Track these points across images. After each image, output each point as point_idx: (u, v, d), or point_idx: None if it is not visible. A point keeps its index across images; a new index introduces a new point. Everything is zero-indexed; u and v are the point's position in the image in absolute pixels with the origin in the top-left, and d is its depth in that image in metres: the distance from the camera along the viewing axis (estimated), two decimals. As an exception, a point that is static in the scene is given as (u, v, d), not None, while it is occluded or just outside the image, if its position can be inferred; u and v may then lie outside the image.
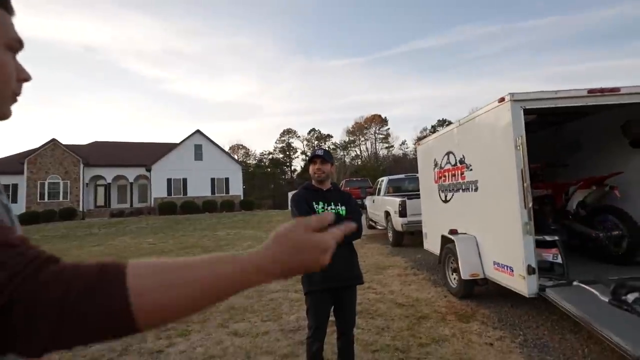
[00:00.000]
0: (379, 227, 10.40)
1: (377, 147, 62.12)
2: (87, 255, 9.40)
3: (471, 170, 4.50)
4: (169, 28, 78.21)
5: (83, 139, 74.23)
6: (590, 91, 3.51)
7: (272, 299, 4.75)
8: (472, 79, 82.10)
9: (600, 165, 4.57)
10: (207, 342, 3.51)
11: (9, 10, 0.59)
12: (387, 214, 8.95)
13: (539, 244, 3.71)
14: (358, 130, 62.25)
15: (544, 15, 76.80)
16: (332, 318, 2.45)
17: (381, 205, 9.64)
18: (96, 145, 30.23)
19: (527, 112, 3.56)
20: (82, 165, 25.91)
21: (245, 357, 3.16)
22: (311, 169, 2.46)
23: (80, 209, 25.22)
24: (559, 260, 3.58)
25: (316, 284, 2.34)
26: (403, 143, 61.73)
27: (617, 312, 2.29)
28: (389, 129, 62.15)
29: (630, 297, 1.19)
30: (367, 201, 11.59)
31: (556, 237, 3.66)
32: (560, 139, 5.35)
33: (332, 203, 2.46)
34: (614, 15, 70.43)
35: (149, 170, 27.46)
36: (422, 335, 3.46)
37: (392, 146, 61.70)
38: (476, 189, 4.37)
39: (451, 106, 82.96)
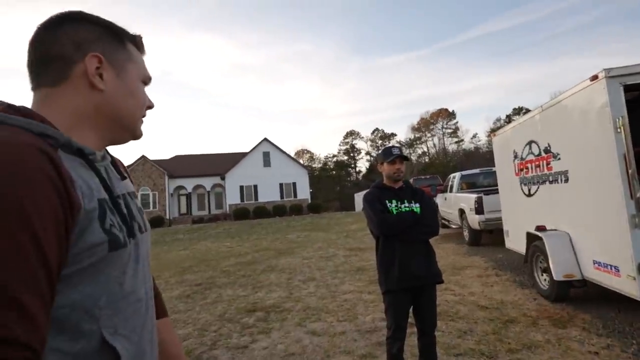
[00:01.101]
0: (453, 226, 9.87)
1: (446, 143, 59.22)
2: (175, 258, 10.38)
3: (559, 159, 4.05)
4: (234, 43, 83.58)
5: (166, 154, 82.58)
6: None
7: (346, 300, 4.76)
8: (552, 59, 74.20)
9: None
10: (286, 339, 3.64)
11: (142, 50, 0.77)
12: (462, 211, 8.45)
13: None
14: (424, 126, 60.00)
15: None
16: (410, 320, 2.38)
17: (454, 202, 9.14)
18: (178, 159, 33.32)
19: (627, 88, 3.11)
20: (167, 177, 28.76)
21: (325, 356, 3.21)
22: (389, 168, 2.42)
23: (167, 217, 27.97)
24: (681, 257, 3.04)
25: (394, 283, 2.29)
26: (474, 136, 58.05)
27: None
28: (457, 122, 58.98)
29: None
30: (439, 199, 11.08)
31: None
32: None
33: (406, 201, 2.40)
34: None
35: (223, 178, 29.50)
36: (511, 341, 3.19)
37: (462, 140, 58.37)
38: (566, 180, 3.92)
39: (528, 92, 75.91)
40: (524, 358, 2.88)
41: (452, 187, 9.90)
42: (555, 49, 74.83)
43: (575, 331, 3.29)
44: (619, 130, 3.02)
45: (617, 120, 3.03)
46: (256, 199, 29.87)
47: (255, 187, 30.16)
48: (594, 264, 3.54)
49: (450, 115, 58.77)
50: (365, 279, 5.75)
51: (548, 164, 4.30)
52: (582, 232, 3.75)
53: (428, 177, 20.04)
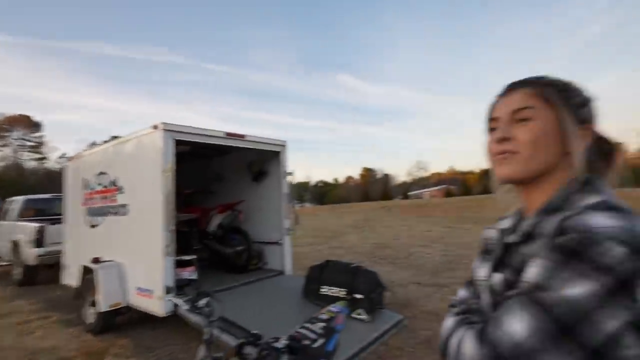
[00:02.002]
0: (2, 263, 7.81)
1: (24, 157, 47.92)
2: None
3: (123, 193, 4.31)
4: None
5: None
6: (228, 134, 4.33)
7: None
8: (161, 101, 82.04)
9: (234, 194, 5.69)
10: None
11: None
12: (16, 244, 6.89)
13: (180, 264, 4.04)
14: (-9, 130, 45.54)
15: (222, 63, 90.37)
16: None
17: (7, 233, 7.33)
18: None
19: (179, 142, 3.88)
20: None
21: None
22: None
23: None
24: (194, 276, 4.03)
25: None
26: (62, 156, 51.16)
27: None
28: (43, 136, 49.78)
29: (202, 302, 1.48)
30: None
31: (194, 256, 4.12)
32: (210, 170, 6.24)
33: None
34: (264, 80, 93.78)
35: None
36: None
37: (45, 158, 49.68)
38: (126, 213, 4.21)
39: (135, 123, 78.43)
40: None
41: (9, 213, 7.94)
42: (164, 94, 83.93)
43: (109, 358, 3.42)
44: (166, 173, 3.66)
45: (166, 164, 3.67)
46: None
47: None
48: (137, 290, 3.93)
49: (35, 125, 48.93)
50: None
51: (114, 196, 4.45)
52: (133, 261, 4.10)
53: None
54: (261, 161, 5.24)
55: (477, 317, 0.68)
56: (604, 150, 0.68)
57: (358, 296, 3.71)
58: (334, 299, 3.75)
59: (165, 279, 3.56)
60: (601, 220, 0.53)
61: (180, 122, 4.08)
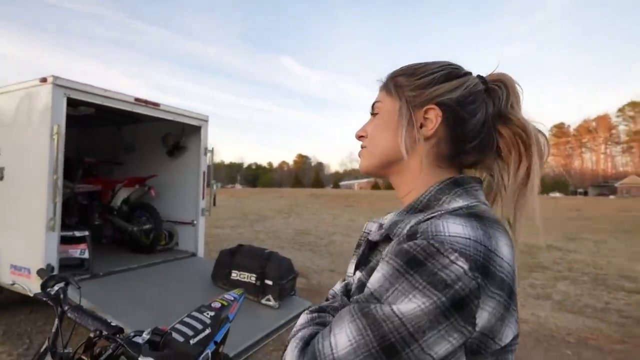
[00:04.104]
0: None
1: None
2: None
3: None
4: None
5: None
6: (137, 100, 3.87)
7: None
8: (77, 57, 72.25)
9: (146, 168, 5.18)
10: None
11: None
12: None
13: (69, 240, 3.57)
14: None
15: (153, 24, 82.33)
16: None
17: None
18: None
19: (71, 101, 3.35)
20: None
21: None
22: None
23: None
24: (86, 255, 3.59)
25: None
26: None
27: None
28: None
29: (56, 288, 1.25)
30: None
31: (86, 233, 3.66)
32: (120, 139, 5.60)
33: None
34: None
35: None
36: None
37: None
38: (2, 178, 3.57)
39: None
40: None
41: None
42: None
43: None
44: (53, 137, 3.15)
45: (54, 127, 3.15)
46: None
47: None
48: (12, 268, 3.38)
49: None
50: None
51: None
52: (8, 234, 3.51)
53: None
54: (178, 135, 4.84)
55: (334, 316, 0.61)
56: (487, 138, 0.60)
57: (268, 282, 3.64)
58: (244, 285, 3.63)
59: (45, 256, 3.10)
60: (453, 228, 0.47)
61: (100, 84, 3.53)
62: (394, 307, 0.45)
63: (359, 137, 0.68)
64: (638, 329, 3.80)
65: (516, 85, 0.61)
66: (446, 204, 0.55)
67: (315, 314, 0.60)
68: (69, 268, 3.47)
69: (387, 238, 0.57)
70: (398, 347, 0.44)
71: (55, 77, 3.18)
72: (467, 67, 0.65)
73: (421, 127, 0.60)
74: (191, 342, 1.49)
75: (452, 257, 0.44)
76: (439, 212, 0.52)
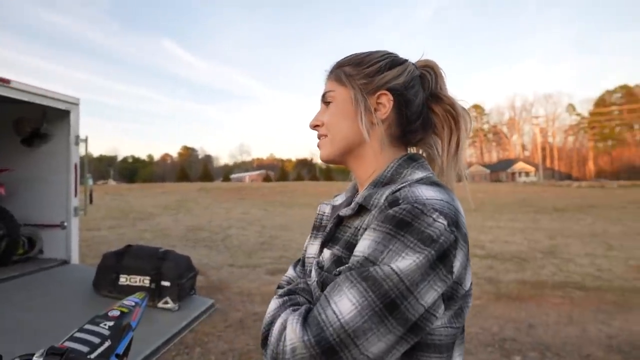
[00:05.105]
0: None
1: None
2: None
3: None
4: None
5: None
6: (-23, 73, 3.06)
7: None
8: None
9: (-9, 161, 4.15)
10: None
11: None
12: None
13: None
14: None
15: None
16: None
17: None
18: None
19: None
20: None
21: None
22: None
23: None
24: None
25: None
26: None
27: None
28: None
29: None
30: None
31: None
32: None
33: None
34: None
35: None
36: None
37: None
38: None
39: None
40: None
41: None
42: None
43: None
44: None
45: None
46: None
47: None
48: None
49: None
50: None
51: None
52: None
53: None
54: (37, 120, 4.01)
55: (305, 297, 0.62)
56: (428, 118, 0.68)
57: (165, 283, 3.34)
58: (136, 289, 3.25)
59: None
60: (428, 193, 0.54)
61: None
62: (392, 265, 0.49)
63: (314, 126, 0.70)
64: (488, 286, 4.74)
65: (441, 70, 0.70)
66: (408, 176, 0.62)
67: (285, 297, 0.61)
68: None
69: (360, 211, 0.61)
70: (398, 302, 0.48)
71: None
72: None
73: (375, 111, 0.65)
74: (90, 357, 1.28)
75: (434, 216, 0.50)
76: (407, 182, 0.59)
